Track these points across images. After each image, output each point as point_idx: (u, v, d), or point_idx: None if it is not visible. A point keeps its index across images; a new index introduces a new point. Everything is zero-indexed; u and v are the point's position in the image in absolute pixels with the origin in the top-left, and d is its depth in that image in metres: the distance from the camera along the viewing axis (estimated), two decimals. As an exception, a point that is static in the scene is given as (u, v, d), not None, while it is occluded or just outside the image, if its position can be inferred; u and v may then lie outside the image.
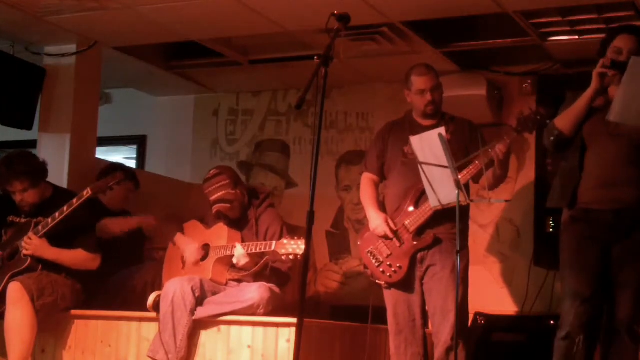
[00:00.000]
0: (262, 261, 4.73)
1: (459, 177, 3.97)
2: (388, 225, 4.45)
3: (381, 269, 4.49)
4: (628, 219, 3.62)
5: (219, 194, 4.91)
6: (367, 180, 4.70)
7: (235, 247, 4.74)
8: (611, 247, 3.65)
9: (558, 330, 3.67)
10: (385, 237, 4.47)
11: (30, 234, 4.85)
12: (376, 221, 4.50)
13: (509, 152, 4.20)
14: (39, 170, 5.00)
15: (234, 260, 4.74)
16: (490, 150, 4.23)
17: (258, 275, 4.80)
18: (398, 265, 4.45)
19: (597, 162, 3.66)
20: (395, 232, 4.45)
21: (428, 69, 4.56)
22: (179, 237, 5.09)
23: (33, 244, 4.83)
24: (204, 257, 4.94)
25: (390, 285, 4.51)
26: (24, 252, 4.85)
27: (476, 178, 4.37)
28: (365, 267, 4.58)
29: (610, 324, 3.65)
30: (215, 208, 4.94)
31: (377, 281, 4.54)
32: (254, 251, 4.70)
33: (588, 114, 3.70)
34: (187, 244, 5.01)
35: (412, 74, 4.55)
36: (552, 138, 3.75)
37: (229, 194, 4.92)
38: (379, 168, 4.67)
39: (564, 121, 3.70)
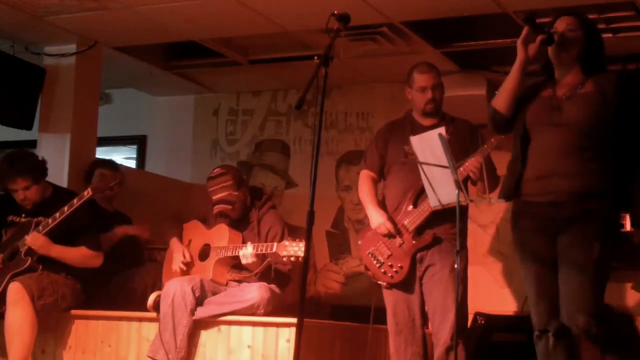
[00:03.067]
0: (265, 263, 4.73)
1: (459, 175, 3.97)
2: (390, 223, 4.45)
3: (382, 270, 4.49)
4: (566, 211, 3.49)
5: (222, 195, 4.91)
6: (365, 177, 4.69)
7: (245, 246, 4.71)
8: (556, 239, 3.53)
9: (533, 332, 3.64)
10: (388, 235, 4.47)
11: (34, 232, 4.85)
12: (378, 219, 4.49)
13: (483, 166, 4.15)
14: (40, 168, 5.02)
15: (241, 257, 4.71)
16: (486, 147, 4.24)
17: (260, 277, 4.80)
18: (399, 265, 4.46)
19: (538, 152, 3.56)
20: (397, 230, 4.46)
21: (431, 67, 4.58)
22: (173, 242, 5.09)
23: (37, 242, 4.83)
24: (204, 257, 4.95)
25: (391, 286, 4.51)
26: (29, 246, 4.84)
27: (474, 181, 4.36)
28: (367, 268, 4.58)
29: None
30: (217, 208, 4.94)
31: (378, 282, 4.54)
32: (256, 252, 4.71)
33: (530, 98, 3.61)
34: (176, 251, 5.01)
35: (415, 71, 4.57)
36: (489, 118, 3.68)
37: (232, 195, 4.92)
38: (379, 166, 4.67)
39: (497, 98, 3.63)
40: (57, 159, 5.64)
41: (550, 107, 3.58)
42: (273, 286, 4.76)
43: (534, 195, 3.56)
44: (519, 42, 3.55)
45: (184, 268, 4.93)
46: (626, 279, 5.28)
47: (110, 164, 5.74)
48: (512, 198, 3.65)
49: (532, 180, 3.57)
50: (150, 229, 5.59)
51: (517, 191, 3.61)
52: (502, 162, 4.81)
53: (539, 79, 3.69)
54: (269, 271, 4.77)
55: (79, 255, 4.95)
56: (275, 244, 4.58)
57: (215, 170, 5.02)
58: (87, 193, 4.82)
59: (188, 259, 4.94)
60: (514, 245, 3.71)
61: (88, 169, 5.71)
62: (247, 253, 4.67)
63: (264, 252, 4.66)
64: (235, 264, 4.90)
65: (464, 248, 4.42)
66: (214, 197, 4.94)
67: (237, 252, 4.79)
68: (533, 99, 3.63)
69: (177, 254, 4.98)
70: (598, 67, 3.62)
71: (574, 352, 3.51)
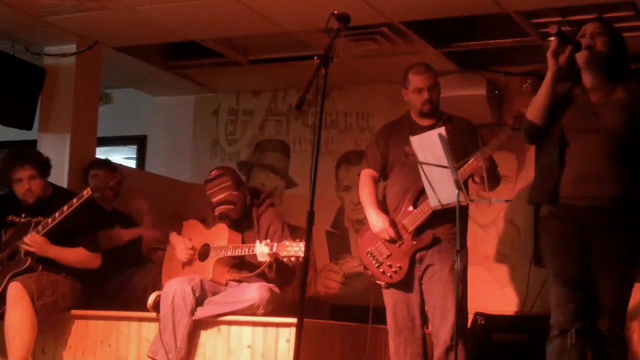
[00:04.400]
0: (266, 262, 4.71)
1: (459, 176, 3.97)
2: (392, 228, 4.44)
3: (381, 270, 4.49)
4: (608, 216, 3.58)
5: (222, 196, 4.91)
6: (367, 177, 4.68)
7: (254, 245, 4.70)
8: (591, 244, 3.61)
9: (550, 331, 3.66)
10: (391, 241, 4.46)
11: (32, 232, 4.86)
12: (379, 225, 4.48)
13: (489, 166, 4.16)
14: (45, 162, 5.06)
15: (258, 255, 4.67)
16: (488, 149, 4.25)
17: (261, 275, 4.80)
18: (398, 265, 4.45)
19: (577, 156, 3.62)
20: (398, 235, 4.45)
21: (426, 67, 4.57)
22: (173, 236, 5.09)
23: (35, 243, 4.84)
24: (204, 257, 4.94)
25: (390, 286, 4.51)
26: (26, 249, 4.85)
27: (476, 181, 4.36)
28: (366, 267, 4.58)
29: (595, 326, 3.61)
30: (218, 210, 4.93)
31: (377, 282, 4.54)
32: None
33: (564, 104, 3.68)
34: (178, 243, 5.01)
35: (410, 73, 4.56)
36: (525, 130, 3.76)
37: (232, 195, 4.92)
38: (381, 165, 4.65)
39: (532, 110, 3.70)
40: (57, 159, 5.61)
41: (585, 112, 3.66)
42: (273, 286, 4.76)
43: (574, 199, 3.62)
44: (549, 54, 3.62)
45: (191, 252, 4.91)
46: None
47: (104, 164, 5.71)
48: (547, 202, 3.70)
49: (571, 184, 3.63)
50: (155, 227, 5.60)
51: (553, 195, 3.66)
52: (502, 162, 4.84)
53: (567, 84, 3.74)
54: (270, 270, 4.74)
55: (77, 256, 4.96)
56: (275, 244, 4.58)
57: (212, 173, 5.01)
58: (87, 193, 4.83)
59: (190, 246, 4.93)
60: (541, 247, 3.76)
61: (85, 169, 5.71)
62: (264, 251, 4.64)
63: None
64: (234, 263, 4.90)
65: (464, 248, 4.42)
66: (214, 200, 4.93)
67: (236, 252, 4.79)
68: (567, 105, 3.70)
69: (180, 245, 4.97)
70: (624, 71, 3.70)
71: (586, 353, 3.58)
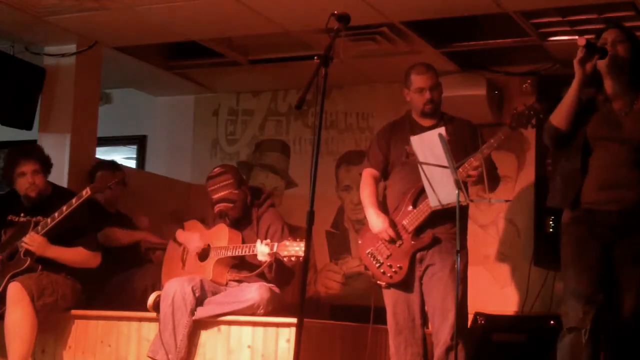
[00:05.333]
0: (267, 262, 4.71)
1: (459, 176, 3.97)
2: (392, 229, 4.44)
3: (382, 270, 4.49)
4: (630, 219, 3.64)
5: (222, 193, 4.91)
6: (368, 177, 4.67)
7: (255, 245, 4.70)
8: (613, 247, 3.67)
9: (564, 327, 3.67)
10: (390, 241, 4.46)
11: (32, 232, 4.86)
12: (379, 225, 4.47)
13: (483, 167, 4.16)
14: (48, 159, 5.10)
15: (259, 254, 4.68)
16: (486, 149, 4.24)
17: (261, 276, 4.79)
18: (398, 265, 4.45)
19: (600, 165, 3.69)
20: (398, 236, 4.45)
21: (428, 67, 4.57)
22: (179, 233, 5.09)
23: (35, 242, 4.84)
24: (204, 257, 4.94)
25: (390, 286, 4.51)
26: (26, 248, 4.84)
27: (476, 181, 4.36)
28: (366, 268, 4.58)
29: (614, 325, 3.65)
30: (218, 207, 4.94)
31: (378, 282, 4.54)
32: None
33: (587, 112, 3.72)
34: (189, 236, 5.01)
35: (412, 73, 4.55)
36: (550, 136, 3.80)
37: (232, 194, 4.92)
38: (383, 165, 4.64)
39: (557, 117, 3.74)
40: (57, 159, 5.60)
41: (608, 121, 3.71)
42: (273, 286, 4.76)
43: (598, 204, 3.68)
44: (576, 63, 3.67)
45: (206, 246, 4.90)
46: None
47: (108, 164, 5.73)
48: (569, 207, 3.75)
49: (595, 190, 3.69)
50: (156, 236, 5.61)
51: (575, 202, 3.72)
52: (502, 162, 4.84)
53: (591, 90, 3.78)
54: (270, 270, 4.74)
55: (76, 255, 4.96)
56: (275, 244, 4.58)
57: (215, 170, 5.02)
58: (86, 193, 4.83)
59: (203, 241, 4.93)
60: (562, 251, 3.79)
61: (91, 170, 5.71)
62: (265, 251, 4.64)
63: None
64: (235, 264, 4.90)
65: (464, 248, 4.42)
66: (215, 197, 4.94)
67: (237, 252, 4.79)
68: (591, 113, 3.74)
69: (194, 237, 4.97)
70: None
71: (599, 351, 3.64)
